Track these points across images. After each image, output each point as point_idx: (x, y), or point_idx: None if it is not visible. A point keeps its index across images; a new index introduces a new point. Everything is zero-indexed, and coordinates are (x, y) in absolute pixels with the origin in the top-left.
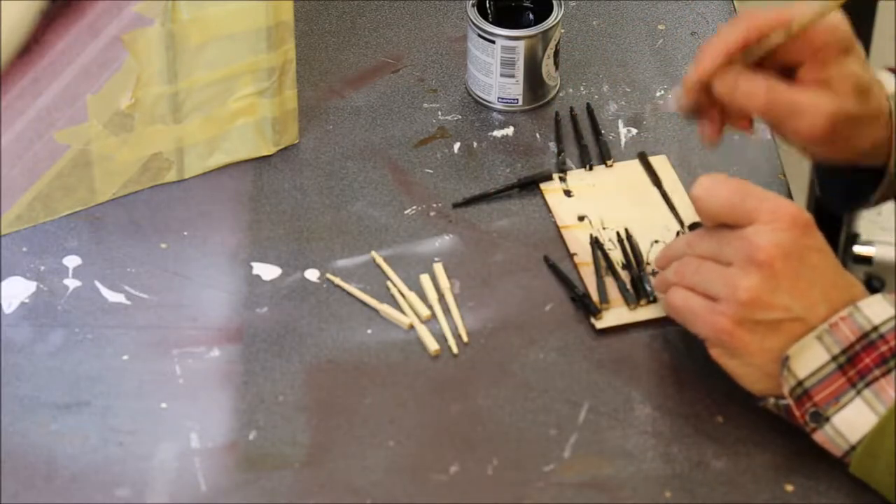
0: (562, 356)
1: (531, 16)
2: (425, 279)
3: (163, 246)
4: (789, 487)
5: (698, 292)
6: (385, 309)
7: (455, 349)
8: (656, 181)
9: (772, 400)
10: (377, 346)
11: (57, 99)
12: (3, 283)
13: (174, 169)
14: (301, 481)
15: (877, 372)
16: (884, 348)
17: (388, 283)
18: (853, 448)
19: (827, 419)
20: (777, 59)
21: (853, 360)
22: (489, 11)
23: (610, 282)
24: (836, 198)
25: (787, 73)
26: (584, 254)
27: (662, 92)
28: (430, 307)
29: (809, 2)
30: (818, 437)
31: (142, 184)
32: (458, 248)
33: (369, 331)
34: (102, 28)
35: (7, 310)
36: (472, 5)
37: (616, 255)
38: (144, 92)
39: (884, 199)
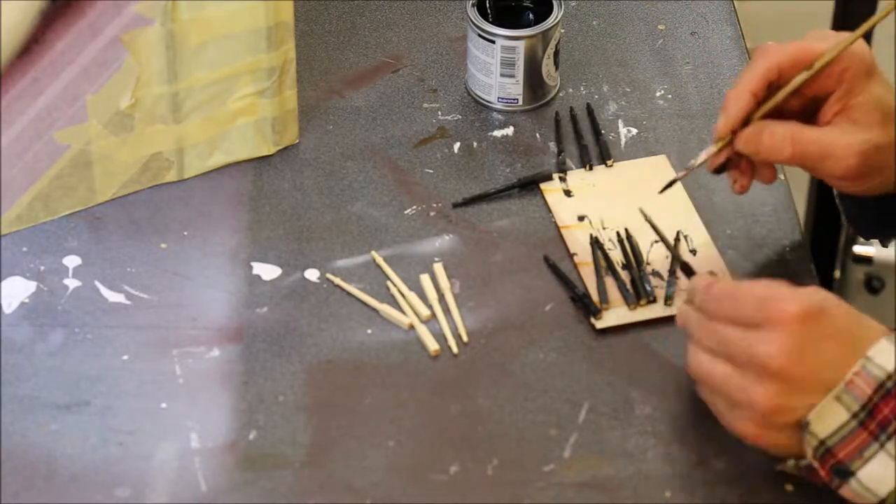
0: (562, 356)
1: (531, 16)
2: (425, 279)
3: (163, 246)
4: (789, 487)
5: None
6: (385, 309)
7: (455, 349)
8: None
9: (791, 462)
10: (377, 346)
11: (57, 99)
12: (3, 283)
13: (174, 169)
14: (301, 481)
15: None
16: None
17: (388, 283)
18: (883, 502)
19: (852, 473)
20: (801, 93)
21: (872, 412)
22: (489, 11)
23: (610, 282)
24: (867, 228)
25: (811, 111)
26: (584, 254)
27: (662, 92)
28: (430, 307)
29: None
30: (845, 491)
31: (142, 184)
32: (458, 248)
33: (369, 331)
34: (102, 28)
35: (7, 310)
36: (472, 5)
37: (616, 255)
38: (144, 92)
39: None
